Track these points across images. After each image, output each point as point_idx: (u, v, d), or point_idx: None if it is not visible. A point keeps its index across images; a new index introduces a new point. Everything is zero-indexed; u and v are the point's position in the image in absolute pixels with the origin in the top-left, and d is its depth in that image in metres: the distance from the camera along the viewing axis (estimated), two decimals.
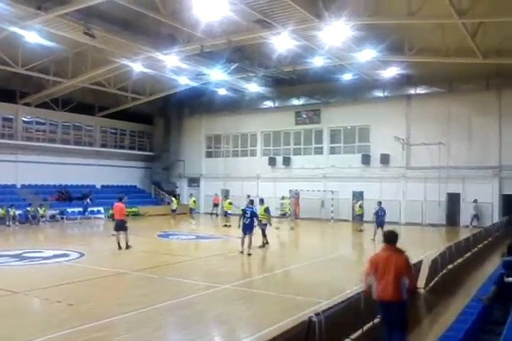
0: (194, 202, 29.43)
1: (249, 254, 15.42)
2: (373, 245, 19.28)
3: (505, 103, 26.16)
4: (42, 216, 27.32)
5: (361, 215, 24.74)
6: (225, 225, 25.37)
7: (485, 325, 6.47)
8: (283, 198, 29.27)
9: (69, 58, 25.95)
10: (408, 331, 6.35)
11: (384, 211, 19.97)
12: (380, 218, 19.65)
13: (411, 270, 6.34)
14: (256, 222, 16.07)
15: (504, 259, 9.64)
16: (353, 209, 28.06)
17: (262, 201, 19.12)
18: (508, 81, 25.58)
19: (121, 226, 16.60)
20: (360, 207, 24.85)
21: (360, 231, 23.90)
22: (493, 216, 25.81)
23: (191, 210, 29.39)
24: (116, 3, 17.21)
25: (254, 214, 15.86)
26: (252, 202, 16.91)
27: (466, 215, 26.97)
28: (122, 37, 20.97)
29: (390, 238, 6.35)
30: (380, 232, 19.42)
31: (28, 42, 21.33)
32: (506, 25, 19.03)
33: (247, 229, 15.66)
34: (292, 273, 13.64)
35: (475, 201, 26.11)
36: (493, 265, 12.11)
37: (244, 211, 15.96)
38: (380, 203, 20.59)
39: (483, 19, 18.54)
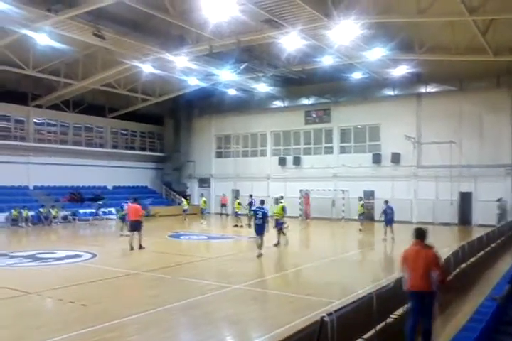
0: (204, 202, 29.49)
1: (260, 254, 15.31)
2: (384, 244, 19.23)
3: None
4: (54, 217, 27.55)
5: (363, 215, 24.64)
6: (236, 225, 25.41)
7: (499, 325, 6.40)
8: (281, 198, 28.75)
9: (79, 60, 26.15)
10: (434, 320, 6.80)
11: (392, 209, 20.04)
12: (388, 216, 19.80)
13: (440, 263, 6.70)
14: (266, 223, 15.57)
15: None
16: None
17: (277, 200, 19.00)
18: None
19: (136, 227, 16.77)
20: (362, 206, 24.78)
21: (360, 230, 23.94)
22: (507, 215, 25.52)
23: (202, 210, 29.45)
24: (126, 4, 17.29)
25: (265, 215, 15.47)
26: (262, 202, 16.59)
27: (478, 214, 26.75)
28: (132, 38, 21.10)
29: (420, 234, 6.81)
30: (389, 231, 19.47)
31: (38, 45, 21.52)
32: None
33: (259, 229, 15.42)
34: (303, 273, 13.61)
35: (499, 200, 25.54)
36: (506, 264, 12.01)
37: (255, 212, 15.66)
38: (386, 202, 20.70)
39: (494, 16, 18.37)
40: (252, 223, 15.70)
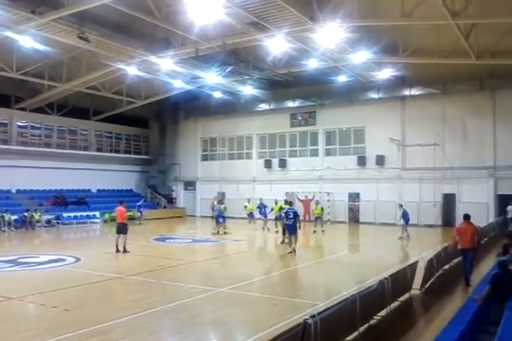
0: (322, 209, 25.52)
1: (294, 252, 16.27)
2: (397, 243, 19.78)
3: (499, 103, 26.27)
4: (37, 221, 27.21)
5: (320, 217, 24.82)
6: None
7: (481, 325, 6.48)
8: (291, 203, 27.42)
9: (64, 62, 25.91)
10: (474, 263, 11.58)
11: (407, 211, 22.30)
12: (406, 217, 21.96)
13: (479, 232, 11.80)
14: (298, 222, 16.62)
15: (499, 259, 9.67)
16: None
17: (290, 203, 18.89)
18: (502, 81, 25.73)
19: (121, 229, 16.77)
20: (322, 209, 25.03)
21: (314, 232, 24.18)
22: (489, 216, 25.84)
23: (316, 218, 25.48)
24: (111, 7, 17.17)
25: (296, 215, 16.54)
26: (291, 203, 17.97)
27: (461, 215, 26.91)
28: (117, 41, 20.96)
29: (467, 217, 11.71)
30: (404, 230, 21.61)
31: (22, 47, 21.26)
32: (499, 26, 19.12)
33: (291, 229, 16.40)
34: (289, 276, 13.62)
35: None
36: (488, 265, 12.15)
37: (286, 213, 16.60)
38: (401, 205, 22.93)
39: (475, 20, 18.61)
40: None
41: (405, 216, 22.16)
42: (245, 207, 27.05)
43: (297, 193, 30.94)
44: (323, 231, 24.43)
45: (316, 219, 24.99)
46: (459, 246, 11.53)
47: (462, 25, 18.89)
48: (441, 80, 27.50)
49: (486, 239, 18.68)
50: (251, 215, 26.46)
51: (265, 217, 25.21)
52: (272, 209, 23.97)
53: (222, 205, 24.42)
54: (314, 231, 24.34)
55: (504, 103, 26.07)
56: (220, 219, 23.69)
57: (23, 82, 27.75)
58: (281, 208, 21.80)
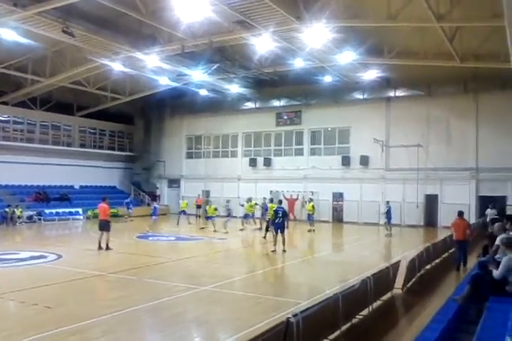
0: (215, 209, 25.78)
1: (284, 251, 16.38)
2: (380, 243, 19.89)
3: (481, 106, 26.62)
4: (19, 217, 26.84)
5: (312, 215, 24.97)
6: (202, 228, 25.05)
7: (460, 324, 6.57)
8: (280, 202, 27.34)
9: (47, 57, 25.55)
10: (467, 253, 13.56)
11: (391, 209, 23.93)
12: (388, 215, 23.49)
13: (470, 227, 13.96)
14: (286, 222, 17.04)
15: (480, 260, 9.81)
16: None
17: (280, 201, 19.01)
18: (485, 84, 26.10)
19: (104, 227, 16.60)
20: (313, 207, 25.17)
21: (309, 231, 24.25)
22: (470, 217, 26.17)
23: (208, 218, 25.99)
24: (96, 1, 17.00)
25: (285, 214, 16.95)
26: (280, 202, 18.53)
27: (443, 216, 27.30)
28: (102, 36, 20.73)
29: (461, 213, 13.74)
30: (388, 227, 23.02)
31: (4, 40, 20.90)
32: (482, 29, 19.37)
33: (279, 227, 16.68)
34: (272, 274, 13.66)
35: None
36: (469, 266, 12.31)
37: (276, 211, 16.93)
38: (388, 202, 24.39)
39: (460, 23, 18.83)
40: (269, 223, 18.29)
41: (388, 213, 23.40)
42: (243, 205, 26.94)
43: (284, 192, 30.98)
44: (313, 230, 24.40)
45: (308, 217, 25.09)
46: (454, 238, 13.64)
47: (447, 28, 19.08)
48: (426, 82, 27.79)
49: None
50: (249, 215, 26.03)
51: (261, 216, 24.93)
52: (267, 209, 23.34)
53: (213, 206, 24.62)
54: (309, 231, 24.31)
55: (486, 106, 26.44)
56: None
57: (5, 76, 27.29)
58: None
